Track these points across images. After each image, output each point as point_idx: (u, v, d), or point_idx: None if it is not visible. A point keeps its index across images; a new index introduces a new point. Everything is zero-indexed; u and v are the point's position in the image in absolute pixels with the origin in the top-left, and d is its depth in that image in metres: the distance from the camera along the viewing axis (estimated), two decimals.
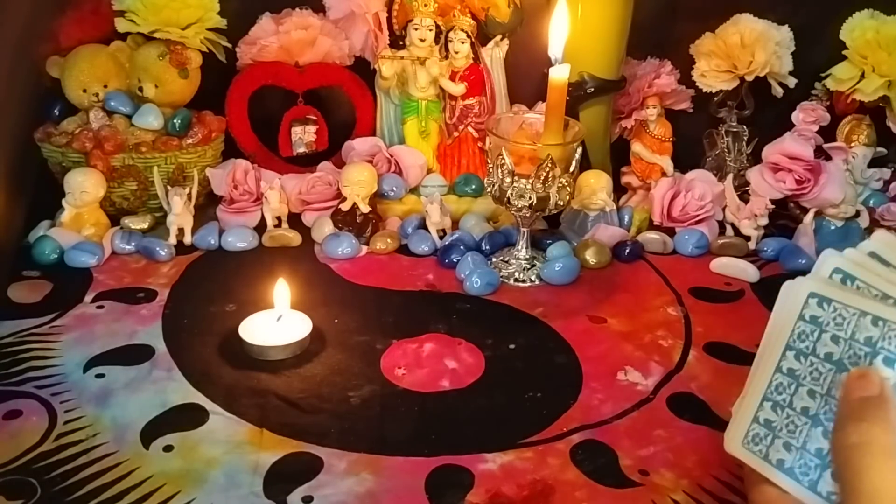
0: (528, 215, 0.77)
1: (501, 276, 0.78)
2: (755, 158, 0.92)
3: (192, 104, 0.89)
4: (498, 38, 0.91)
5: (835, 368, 0.38)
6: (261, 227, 0.85)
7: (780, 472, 0.38)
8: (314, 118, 0.93)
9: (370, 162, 0.88)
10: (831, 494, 0.37)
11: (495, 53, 0.92)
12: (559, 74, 0.71)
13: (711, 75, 0.93)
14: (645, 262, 0.83)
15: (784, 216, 0.89)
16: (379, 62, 0.90)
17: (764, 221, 0.86)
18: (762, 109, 0.95)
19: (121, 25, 0.84)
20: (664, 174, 0.92)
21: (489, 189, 0.77)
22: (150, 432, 0.57)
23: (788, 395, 0.37)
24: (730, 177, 0.90)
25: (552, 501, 0.52)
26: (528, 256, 0.80)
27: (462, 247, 0.81)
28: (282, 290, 0.69)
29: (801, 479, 0.37)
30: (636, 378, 0.65)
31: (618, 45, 0.87)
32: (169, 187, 0.83)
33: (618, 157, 0.95)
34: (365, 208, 0.84)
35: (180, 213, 0.82)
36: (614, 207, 0.86)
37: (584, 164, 0.85)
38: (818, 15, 0.93)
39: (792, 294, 0.40)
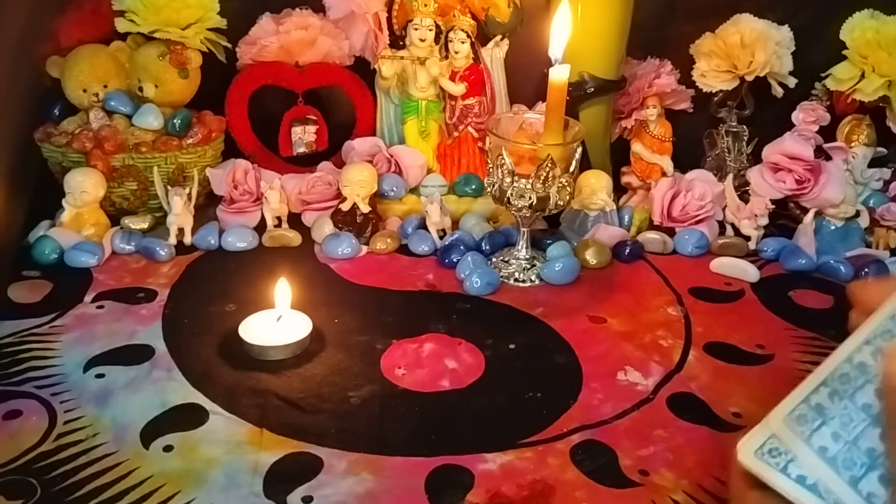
0: (528, 215, 0.77)
1: (501, 276, 0.78)
2: (755, 158, 0.92)
3: (192, 104, 0.89)
4: (498, 38, 0.91)
5: None
6: (261, 227, 0.85)
7: (819, 459, 0.37)
8: (314, 118, 0.93)
9: (370, 162, 0.88)
10: (872, 496, 0.36)
11: (495, 53, 0.92)
12: (559, 74, 0.71)
13: (711, 75, 0.93)
14: (645, 262, 0.83)
15: (784, 216, 0.89)
16: (379, 62, 0.90)
17: (764, 221, 0.86)
18: (762, 109, 0.95)
19: (121, 25, 0.84)
20: (664, 174, 0.92)
21: (489, 189, 0.77)
22: (150, 432, 0.56)
23: (852, 388, 0.36)
24: (730, 177, 0.90)
25: (552, 501, 0.52)
26: (528, 256, 0.80)
27: (462, 247, 0.81)
28: (282, 290, 0.69)
29: (843, 472, 0.36)
30: (636, 378, 0.65)
31: (618, 45, 0.87)
32: (169, 187, 0.83)
33: (618, 157, 0.95)
34: (365, 208, 0.84)
35: (180, 213, 0.82)
36: (614, 207, 0.86)
37: (584, 164, 0.85)
38: (818, 15, 0.93)
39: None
